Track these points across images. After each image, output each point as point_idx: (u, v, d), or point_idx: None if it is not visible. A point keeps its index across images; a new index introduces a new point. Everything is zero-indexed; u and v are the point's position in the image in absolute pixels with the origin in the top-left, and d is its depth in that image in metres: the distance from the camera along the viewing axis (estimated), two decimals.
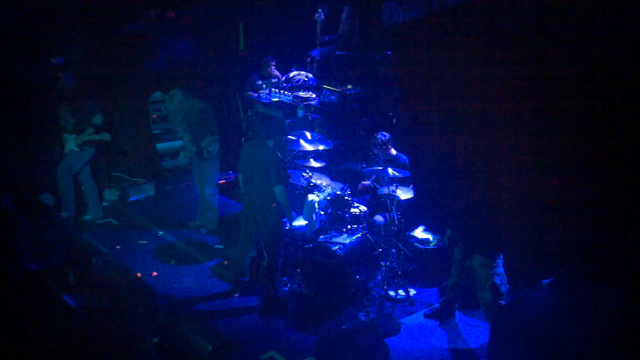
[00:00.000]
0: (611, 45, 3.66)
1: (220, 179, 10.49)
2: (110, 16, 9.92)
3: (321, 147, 7.98)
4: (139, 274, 7.47)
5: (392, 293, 7.32)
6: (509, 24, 4.20)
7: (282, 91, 10.32)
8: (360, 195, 8.21)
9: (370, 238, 7.47)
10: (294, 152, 8.27)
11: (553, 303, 5.48)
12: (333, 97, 9.89)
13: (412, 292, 7.43)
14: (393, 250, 7.48)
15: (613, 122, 3.80)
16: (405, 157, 7.77)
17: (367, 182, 8.18)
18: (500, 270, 6.39)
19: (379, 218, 7.86)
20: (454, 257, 6.80)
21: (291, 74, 10.72)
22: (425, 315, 7.03)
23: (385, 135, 7.80)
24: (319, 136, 8.25)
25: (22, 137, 8.82)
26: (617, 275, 4.39)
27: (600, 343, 4.86)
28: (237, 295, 7.30)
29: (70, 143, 8.69)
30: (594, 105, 3.85)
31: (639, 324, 4.77)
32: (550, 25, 3.97)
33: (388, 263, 7.42)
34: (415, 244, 7.83)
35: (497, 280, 6.34)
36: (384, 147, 7.76)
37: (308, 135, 8.09)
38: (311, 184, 7.85)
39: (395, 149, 7.85)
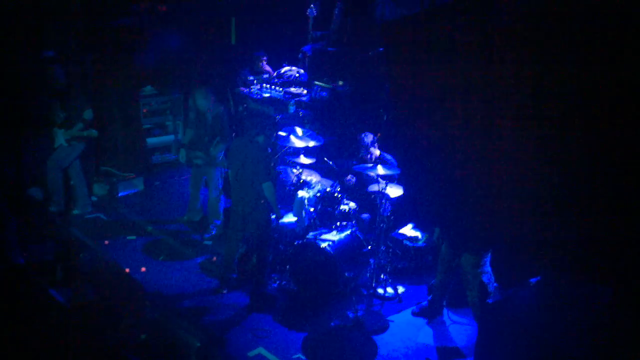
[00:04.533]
0: (612, 42, 3.66)
1: None
2: (102, 9, 9.86)
3: (312, 144, 7.97)
4: (127, 270, 7.45)
5: (380, 290, 7.34)
6: (504, 20, 4.20)
7: (273, 87, 10.30)
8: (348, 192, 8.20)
9: (360, 235, 7.47)
10: (285, 148, 8.26)
11: (540, 302, 5.50)
12: (324, 93, 9.88)
13: (401, 289, 7.44)
14: (382, 247, 7.48)
15: (609, 122, 3.80)
16: (388, 157, 7.77)
17: (349, 178, 8.19)
18: (488, 269, 6.41)
19: (363, 215, 7.88)
20: (441, 255, 6.81)
21: (282, 70, 10.70)
22: (413, 313, 7.04)
23: (368, 136, 7.78)
24: (310, 132, 8.24)
25: (11, 130, 8.77)
26: (604, 274, 4.41)
27: (587, 341, 4.89)
28: (225, 291, 7.28)
29: (60, 137, 8.64)
30: (591, 104, 3.85)
31: (625, 323, 4.79)
32: (548, 21, 3.97)
33: (377, 260, 7.43)
34: (404, 241, 7.83)
35: (484, 278, 6.36)
36: (368, 148, 7.74)
37: (299, 131, 8.08)
38: (301, 181, 7.84)
39: (379, 149, 7.83)
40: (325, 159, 8.27)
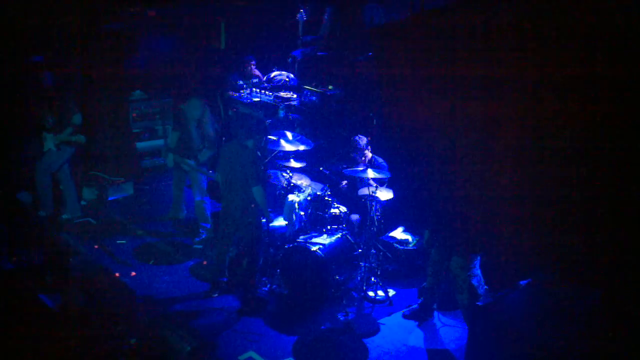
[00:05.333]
0: (613, 40, 3.68)
1: None
2: (91, 14, 9.84)
3: (302, 148, 7.98)
4: (117, 274, 7.41)
5: (371, 293, 7.35)
6: (493, 24, 4.23)
7: (263, 91, 10.29)
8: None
9: (350, 239, 7.48)
10: (275, 153, 8.26)
11: (530, 304, 5.54)
12: (314, 98, 9.90)
13: (392, 292, 7.46)
14: (373, 250, 7.50)
15: (609, 123, 3.82)
16: (379, 161, 7.80)
17: (344, 185, 8.22)
18: (478, 271, 6.44)
19: (354, 216, 7.90)
20: (431, 258, 6.83)
21: (272, 74, 10.70)
22: (404, 316, 7.06)
23: (362, 139, 7.82)
24: (300, 136, 8.25)
25: (0, 135, 8.73)
26: (594, 277, 4.44)
27: (576, 343, 4.92)
28: (216, 295, 7.27)
29: (49, 142, 8.60)
30: (591, 104, 3.87)
31: (614, 324, 4.83)
32: (538, 27, 4.00)
33: (367, 264, 7.44)
34: (395, 244, 7.85)
35: (474, 281, 6.39)
36: (362, 150, 7.78)
37: (289, 135, 8.08)
38: (291, 184, 7.85)
39: (372, 152, 7.86)
40: (321, 168, 8.29)
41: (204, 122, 8.44)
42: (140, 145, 10.89)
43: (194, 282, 7.59)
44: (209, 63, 11.63)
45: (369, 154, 7.83)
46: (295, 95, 10.19)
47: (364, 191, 7.42)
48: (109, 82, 10.15)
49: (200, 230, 8.54)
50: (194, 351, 5.54)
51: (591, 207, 4.12)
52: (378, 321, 6.96)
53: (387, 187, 7.54)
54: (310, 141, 8.19)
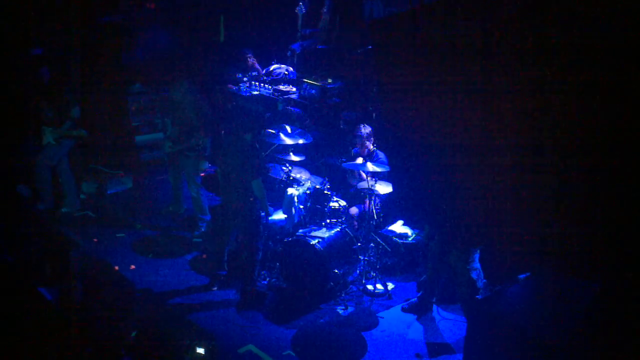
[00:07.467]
0: (613, 37, 3.67)
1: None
2: (90, 6, 9.81)
3: (301, 141, 7.99)
4: (116, 267, 7.42)
5: (370, 287, 7.35)
6: (493, 18, 4.22)
7: (262, 84, 10.30)
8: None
9: (349, 232, 7.49)
10: (274, 146, 8.26)
11: (530, 298, 5.54)
12: (313, 91, 9.90)
13: (391, 286, 7.46)
14: (372, 244, 7.50)
15: (609, 119, 3.81)
16: (380, 156, 7.79)
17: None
18: (477, 265, 6.44)
19: (353, 209, 7.90)
20: (430, 251, 6.83)
21: (271, 68, 10.70)
22: (403, 309, 7.06)
23: (366, 127, 7.82)
24: (299, 130, 8.25)
25: None
26: (593, 271, 4.44)
27: (576, 337, 4.92)
28: (215, 289, 7.28)
29: (48, 135, 8.59)
30: (591, 102, 3.87)
31: (613, 319, 4.83)
32: (539, 21, 3.99)
33: (367, 257, 7.45)
34: (394, 238, 7.85)
35: (473, 275, 6.39)
36: (362, 139, 7.77)
37: (288, 129, 8.09)
38: (291, 178, 7.85)
39: (374, 145, 7.87)
40: (344, 163, 8.21)
41: (184, 105, 8.27)
42: (139, 138, 10.87)
43: (194, 276, 7.60)
44: (208, 56, 11.61)
45: (371, 146, 7.82)
46: (294, 89, 10.19)
47: (363, 185, 7.42)
48: (108, 75, 10.14)
49: (200, 224, 8.54)
50: (193, 344, 5.55)
51: (590, 201, 4.12)
52: (377, 315, 6.97)
53: (386, 180, 7.54)
54: (309, 135, 8.19)
